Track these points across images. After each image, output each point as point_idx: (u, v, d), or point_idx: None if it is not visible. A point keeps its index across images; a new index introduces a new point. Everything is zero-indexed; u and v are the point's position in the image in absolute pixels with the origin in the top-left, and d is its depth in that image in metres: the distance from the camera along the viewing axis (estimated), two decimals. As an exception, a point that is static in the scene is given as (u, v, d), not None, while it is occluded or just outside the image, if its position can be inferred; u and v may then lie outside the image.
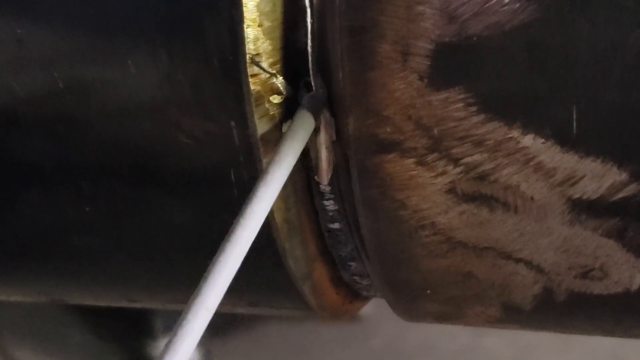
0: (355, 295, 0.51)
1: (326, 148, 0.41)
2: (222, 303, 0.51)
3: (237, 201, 0.41)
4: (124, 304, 0.54)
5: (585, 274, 0.41)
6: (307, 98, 0.40)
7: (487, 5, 0.35)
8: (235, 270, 0.35)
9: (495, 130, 0.37)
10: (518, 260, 0.41)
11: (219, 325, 1.70)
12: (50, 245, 0.48)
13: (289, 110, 0.40)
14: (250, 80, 0.38)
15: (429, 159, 0.39)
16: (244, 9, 0.37)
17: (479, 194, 0.39)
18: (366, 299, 0.53)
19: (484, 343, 1.65)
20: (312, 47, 0.40)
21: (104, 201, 0.44)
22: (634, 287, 0.41)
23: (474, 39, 0.36)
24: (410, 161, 0.39)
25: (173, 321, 0.36)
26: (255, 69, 0.38)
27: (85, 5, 0.39)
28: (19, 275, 0.51)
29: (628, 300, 0.41)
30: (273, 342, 1.68)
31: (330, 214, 0.45)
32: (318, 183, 0.43)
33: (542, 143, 0.37)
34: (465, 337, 1.69)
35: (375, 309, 1.75)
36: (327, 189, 0.44)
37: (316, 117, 0.39)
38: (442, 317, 0.48)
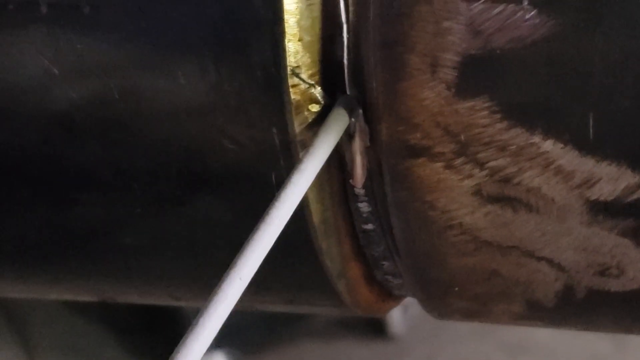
0: (387, 294, 0.54)
1: (360, 153, 0.44)
2: (262, 300, 0.54)
3: (278, 202, 0.44)
4: (168, 301, 0.57)
5: (602, 272, 0.43)
6: (342, 98, 0.42)
7: (509, 20, 0.38)
8: (268, 248, 0.38)
9: (518, 136, 0.40)
10: (540, 259, 0.44)
11: (254, 344, 1.72)
12: (102, 245, 0.51)
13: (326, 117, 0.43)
14: (290, 90, 0.41)
15: (456, 163, 0.41)
16: (286, 25, 0.40)
17: (503, 195, 0.42)
18: (398, 298, 0.56)
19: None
20: (348, 59, 0.42)
21: (153, 202, 0.47)
22: (649, 284, 0.43)
23: (498, 51, 0.38)
24: (439, 165, 0.42)
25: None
26: (296, 80, 0.41)
27: (140, 22, 0.42)
28: (73, 275, 0.54)
29: (643, 296, 0.44)
30: (307, 360, 1.70)
31: (364, 215, 0.47)
32: (353, 186, 0.46)
33: (561, 148, 0.39)
34: (498, 357, 1.70)
35: (407, 329, 1.77)
36: (362, 192, 0.46)
37: (350, 114, 0.42)
38: (470, 314, 0.50)
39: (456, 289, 0.47)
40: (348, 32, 0.42)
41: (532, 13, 0.37)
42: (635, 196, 0.40)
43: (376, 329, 1.80)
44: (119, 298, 0.58)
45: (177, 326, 1.38)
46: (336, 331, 1.82)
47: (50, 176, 0.47)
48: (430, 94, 0.40)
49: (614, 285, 0.44)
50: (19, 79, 0.44)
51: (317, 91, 0.42)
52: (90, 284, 0.56)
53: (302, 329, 1.80)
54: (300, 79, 0.41)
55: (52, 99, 0.44)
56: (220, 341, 1.60)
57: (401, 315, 1.78)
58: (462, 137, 0.40)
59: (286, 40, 0.40)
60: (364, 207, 0.47)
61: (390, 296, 0.54)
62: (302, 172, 0.40)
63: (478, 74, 0.39)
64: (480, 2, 0.38)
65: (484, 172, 0.41)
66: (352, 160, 0.44)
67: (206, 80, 0.42)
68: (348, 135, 0.43)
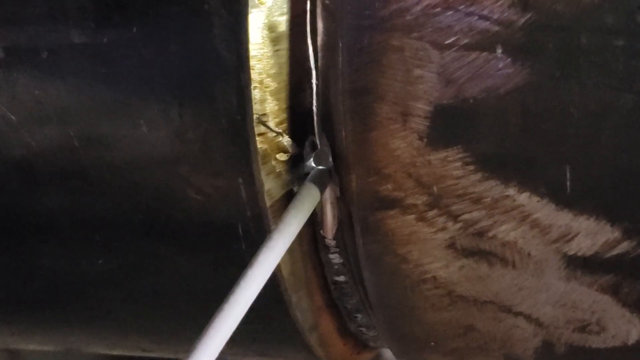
0: (363, 346, 0.52)
1: (331, 204, 0.42)
2: (232, 353, 0.52)
3: (245, 254, 0.42)
4: (138, 352, 0.55)
5: (583, 328, 0.42)
6: (315, 171, 0.41)
7: (482, 69, 0.36)
8: (230, 332, 0.36)
9: (492, 189, 0.38)
10: (517, 314, 0.42)
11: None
12: (65, 296, 0.49)
13: (294, 167, 0.41)
14: (257, 139, 0.40)
15: (429, 215, 0.40)
16: (251, 71, 0.39)
17: (478, 249, 0.40)
18: (374, 349, 0.54)
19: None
20: (317, 107, 0.41)
21: (117, 254, 0.45)
22: (631, 341, 0.41)
23: (471, 101, 0.37)
24: (411, 217, 0.40)
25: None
26: (262, 128, 0.40)
27: (100, 67, 0.40)
28: (36, 325, 0.53)
29: (626, 353, 0.42)
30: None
31: (336, 267, 0.46)
32: (324, 237, 0.44)
33: (538, 201, 0.38)
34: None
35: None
36: (332, 242, 0.45)
37: (322, 190, 0.41)
38: (447, 369, 0.48)
39: (432, 343, 0.45)
40: (317, 79, 0.41)
41: (506, 62, 0.36)
42: (615, 252, 0.38)
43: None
44: (85, 349, 0.56)
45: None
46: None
47: (9, 226, 0.46)
48: (401, 144, 0.38)
49: (594, 342, 0.42)
50: (-26, 125, 0.43)
51: (285, 140, 0.41)
52: (55, 335, 0.54)
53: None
54: (267, 127, 0.40)
55: (10, 146, 0.43)
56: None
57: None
58: (435, 189, 0.39)
59: (252, 87, 0.39)
60: (335, 258, 0.45)
61: (366, 348, 0.52)
62: (271, 250, 0.39)
63: (451, 123, 0.38)
64: (453, 49, 0.36)
65: (458, 225, 0.40)
66: (323, 211, 0.43)
67: (169, 127, 0.40)
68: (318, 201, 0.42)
